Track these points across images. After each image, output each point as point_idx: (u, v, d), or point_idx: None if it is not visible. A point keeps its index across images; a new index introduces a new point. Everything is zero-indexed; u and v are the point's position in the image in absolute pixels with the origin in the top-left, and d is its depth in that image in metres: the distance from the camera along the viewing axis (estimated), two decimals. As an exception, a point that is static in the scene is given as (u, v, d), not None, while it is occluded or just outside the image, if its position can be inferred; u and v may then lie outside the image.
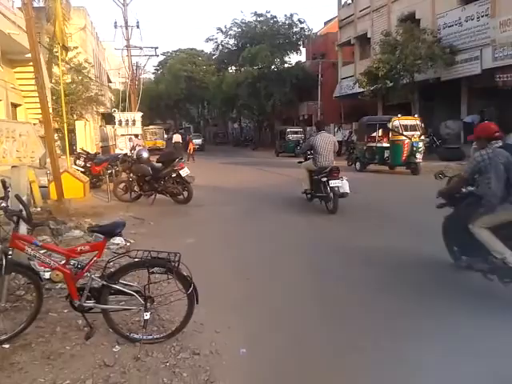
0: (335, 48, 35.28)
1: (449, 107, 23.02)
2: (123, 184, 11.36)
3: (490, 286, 4.74)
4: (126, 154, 13.83)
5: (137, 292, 3.67)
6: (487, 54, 19.41)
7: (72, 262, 3.72)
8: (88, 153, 14.90)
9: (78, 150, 16.35)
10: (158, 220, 9.34)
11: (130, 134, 28.30)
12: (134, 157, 11.46)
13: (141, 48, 34.55)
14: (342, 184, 9.13)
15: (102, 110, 35.57)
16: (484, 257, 4.69)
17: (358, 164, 18.52)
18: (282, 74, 38.73)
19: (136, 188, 11.17)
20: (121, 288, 3.68)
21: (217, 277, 5.56)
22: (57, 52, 26.88)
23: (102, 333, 3.85)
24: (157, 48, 35.06)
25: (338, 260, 6.26)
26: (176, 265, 3.58)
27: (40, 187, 10.80)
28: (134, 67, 36.80)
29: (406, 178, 15.96)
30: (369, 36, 29.96)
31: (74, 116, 28.05)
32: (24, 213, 3.62)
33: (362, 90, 25.62)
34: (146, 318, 3.61)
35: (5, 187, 3.75)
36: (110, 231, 3.76)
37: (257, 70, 38.54)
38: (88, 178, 12.37)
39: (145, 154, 11.01)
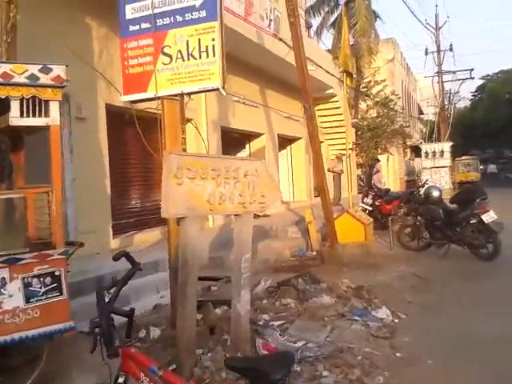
0: None
1: None
2: (409, 229, 9.30)
3: None
4: (412, 191, 11.68)
5: None
6: None
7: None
8: (379, 189, 13.42)
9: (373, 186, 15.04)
10: (449, 283, 6.89)
11: (437, 166, 25.71)
12: (422, 195, 9.29)
13: (453, 72, 31.58)
14: None
15: (409, 142, 34.14)
16: None
17: None
18: None
19: (425, 235, 8.94)
20: None
21: None
22: (365, 88, 27.23)
23: None
24: (472, 70, 31.15)
25: None
26: None
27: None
28: (447, 94, 34.03)
29: None
30: None
31: (378, 150, 27.42)
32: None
33: None
34: None
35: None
36: (260, 374, 1.89)
37: None
38: (371, 219, 10.81)
39: (435, 193, 8.72)
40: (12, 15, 3.96)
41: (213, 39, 4.16)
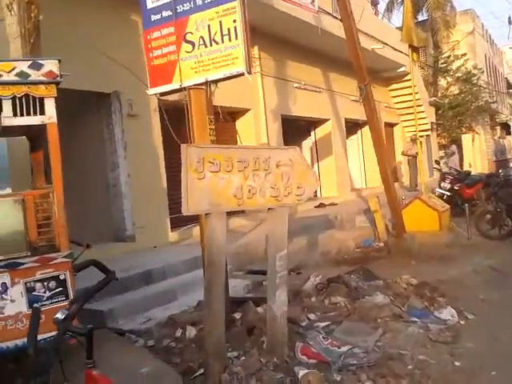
0: None
1: None
2: (489, 215, 8.38)
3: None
4: (491, 174, 10.52)
5: None
6: None
7: None
8: (458, 171, 12.33)
9: (456, 168, 13.79)
10: (531, 276, 6.06)
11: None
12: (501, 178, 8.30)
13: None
14: None
15: (498, 119, 31.52)
16: None
17: None
18: None
19: (507, 222, 8.01)
20: None
21: None
22: (444, 64, 25.40)
23: None
24: None
25: None
26: None
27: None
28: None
29: None
30: None
31: (462, 129, 25.52)
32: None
33: None
34: None
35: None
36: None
37: None
38: (447, 206, 9.92)
39: (517, 175, 7.76)
40: (33, 15, 3.93)
41: (234, 21, 3.85)
